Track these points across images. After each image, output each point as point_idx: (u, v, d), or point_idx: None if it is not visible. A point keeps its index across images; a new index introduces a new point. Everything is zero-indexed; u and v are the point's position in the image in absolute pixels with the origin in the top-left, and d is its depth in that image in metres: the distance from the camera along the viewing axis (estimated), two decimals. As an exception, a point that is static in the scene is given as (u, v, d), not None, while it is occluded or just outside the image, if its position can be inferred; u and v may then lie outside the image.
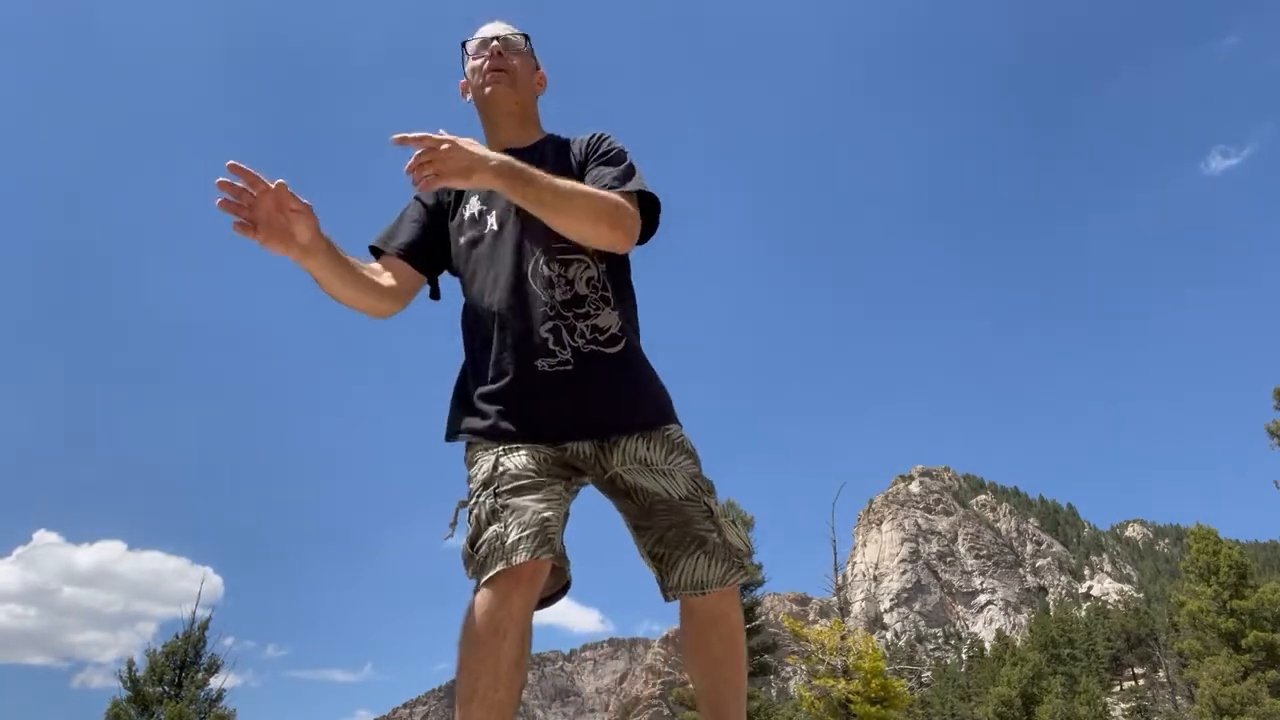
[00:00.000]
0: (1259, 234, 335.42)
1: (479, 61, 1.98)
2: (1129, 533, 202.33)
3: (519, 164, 1.63)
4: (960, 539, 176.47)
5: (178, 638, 12.01)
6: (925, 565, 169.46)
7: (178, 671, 11.74)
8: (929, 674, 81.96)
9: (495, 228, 1.87)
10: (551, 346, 1.75)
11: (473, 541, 1.60)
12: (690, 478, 1.78)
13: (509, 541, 1.55)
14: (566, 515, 1.73)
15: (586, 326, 1.79)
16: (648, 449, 1.78)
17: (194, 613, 12.25)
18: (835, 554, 19.94)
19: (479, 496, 1.64)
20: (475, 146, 1.58)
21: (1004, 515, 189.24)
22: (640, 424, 1.78)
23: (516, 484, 1.63)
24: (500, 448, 1.70)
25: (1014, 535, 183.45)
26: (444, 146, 1.53)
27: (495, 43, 1.98)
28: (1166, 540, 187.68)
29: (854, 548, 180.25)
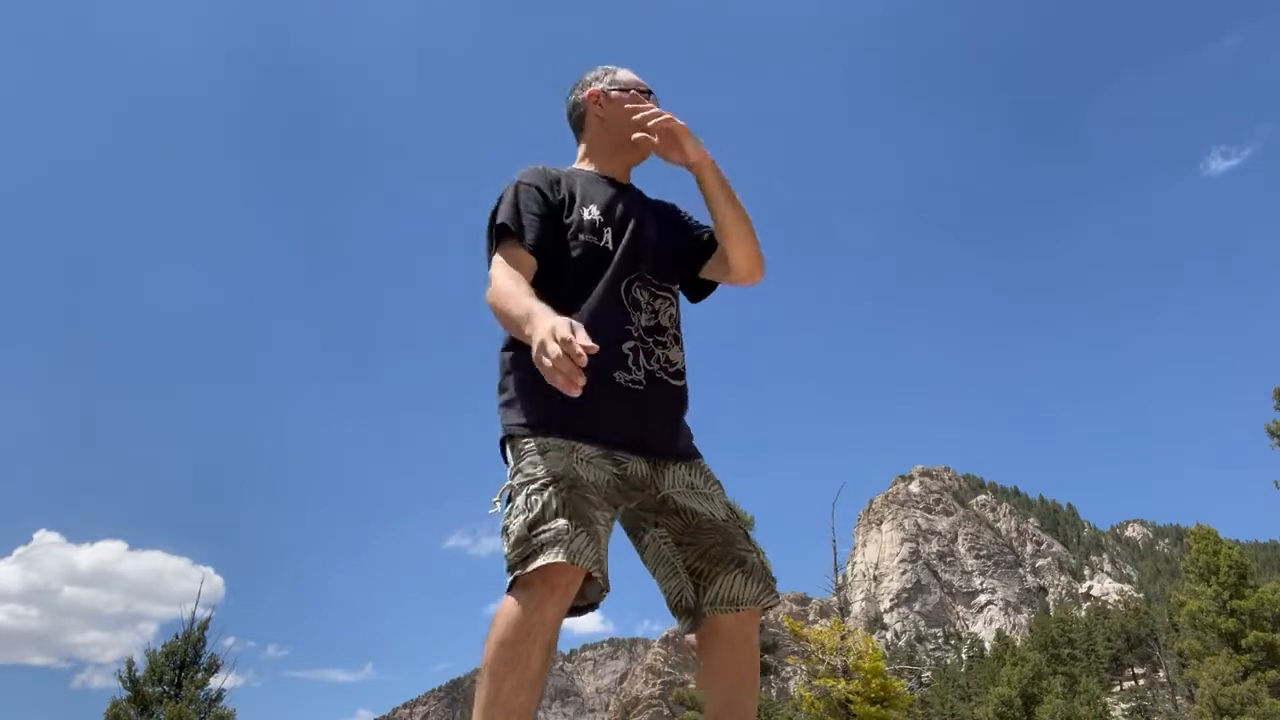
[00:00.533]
0: (1259, 234, 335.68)
1: (645, 105, 2.04)
2: (1129, 533, 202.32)
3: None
4: (960, 539, 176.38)
5: (177, 638, 11.99)
6: (925, 565, 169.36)
7: (177, 671, 11.72)
8: (929, 674, 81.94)
9: (609, 243, 1.97)
10: (629, 364, 1.86)
11: (532, 525, 1.62)
12: (726, 504, 1.92)
13: (574, 544, 1.59)
14: None
15: (661, 355, 1.91)
16: (689, 474, 1.91)
17: (194, 612, 12.23)
18: (835, 554, 19.93)
19: (551, 487, 1.66)
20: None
21: (1004, 515, 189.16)
22: (684, 454, 1.93)
23: (587, 495, 1.69)
24: (572, 449, 1.75)
25: (1014, 535, 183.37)
26: (669, 116, 1.87)
27: (654, 98, 2.15)
28: (1166, 540, 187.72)
29: (854, 548, 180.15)
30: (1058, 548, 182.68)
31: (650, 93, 2.13)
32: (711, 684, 1.87)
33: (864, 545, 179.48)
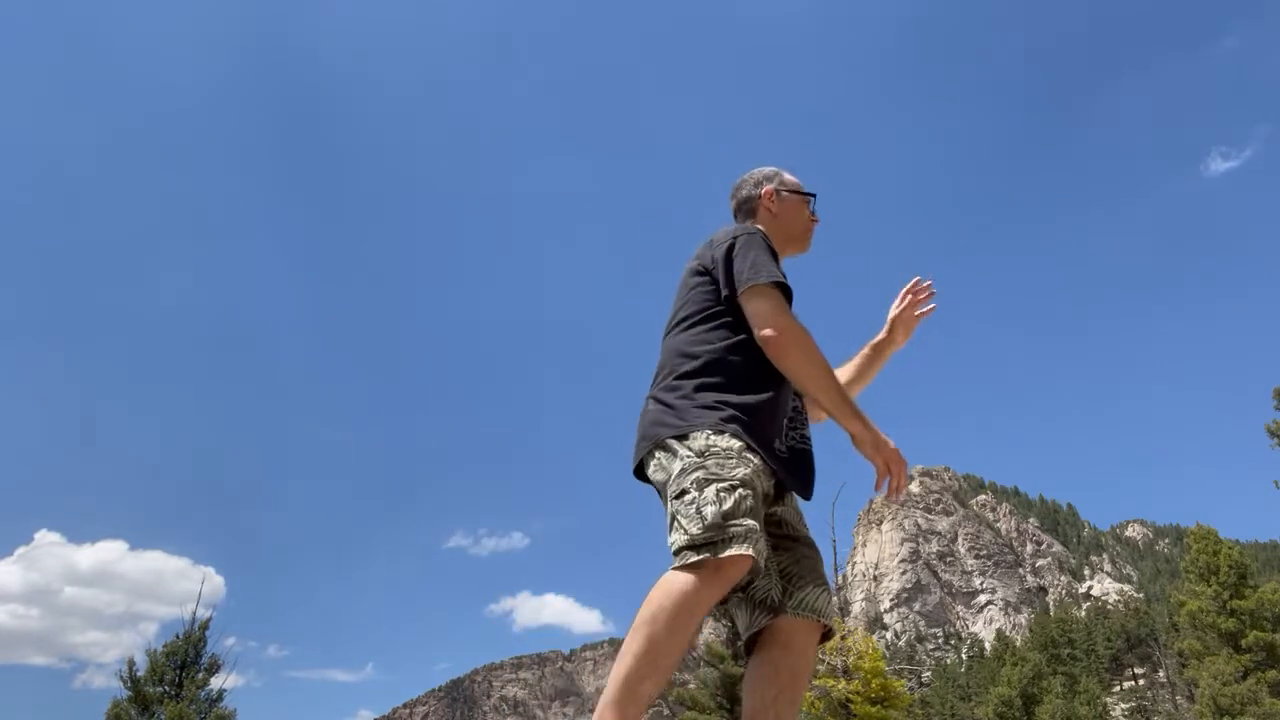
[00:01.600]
0: (1259, 235, 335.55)
1: (811, 212, 2.43)
2: (1129, 533, 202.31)
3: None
4: (960, 539, 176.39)
5: (178, 638, 11.99)
6: (925, 565, 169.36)
7: (178, 671, 11.72)
8: (929, 674, 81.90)
9: None
10: (784, 434, 2.07)
11: (726, 514, 1.79)
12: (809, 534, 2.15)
13: (759, 544, 1.79)
14: None
15: (796, 433, 2.12)
16: (796, 504, 2.17)
17: (194, 612, 12.24)
18: (835, 554, 19.93)
19: (741, 489, 1.85)
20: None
21: (1004, 515, 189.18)
22: (801, 493, 2.12)
23: (760, 504, 1.91)
24: (758, 470, 1.93)
25: (1014, 535, 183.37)
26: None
27: (814, 202, 2.45)
28: (1166, 540, 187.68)
29: (854, 548, 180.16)
30: (1058, 548, 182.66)
31: (814, 195, 2.43)
32: (762, 683, 1.97)
33: (864, 545, 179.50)
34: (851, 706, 17.62)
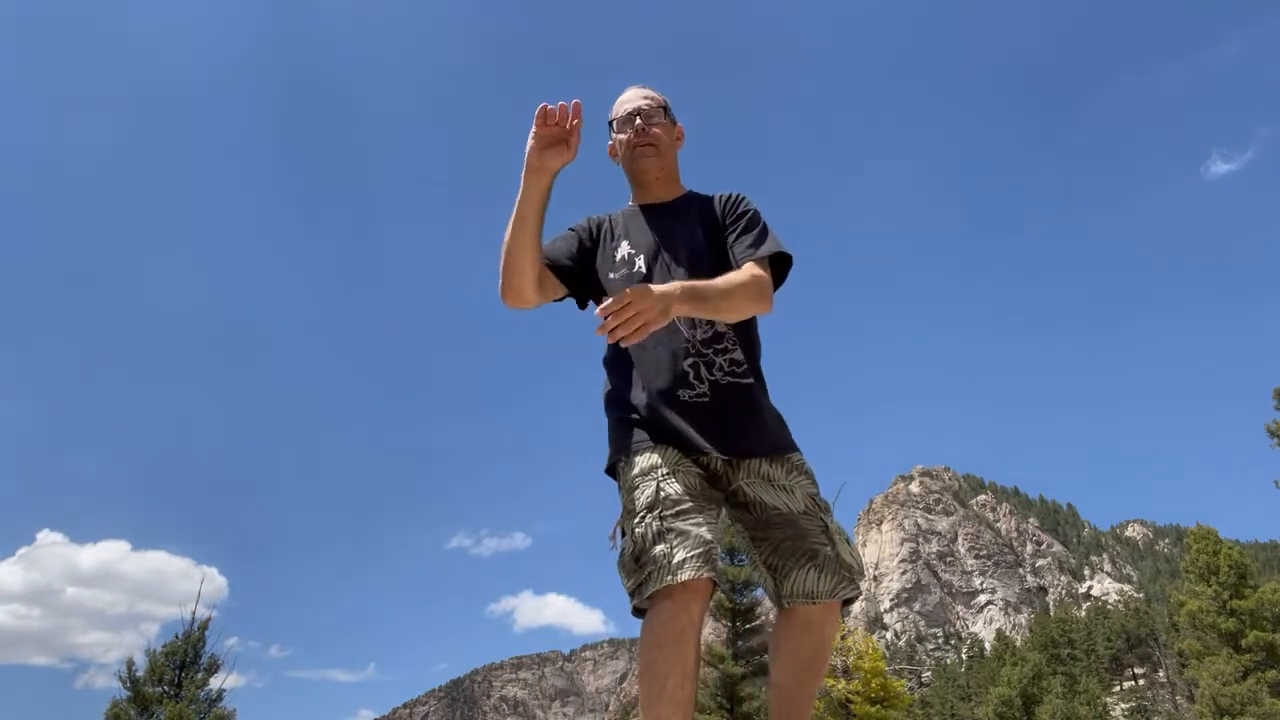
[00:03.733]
0: (1259, 236, 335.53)
1: (624, 135, 2.18)
2: (1129, 533, 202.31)
3: (692, 285, 1.84)
4: (960, 539, 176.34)
5: (177, 638, 11.97)
6: (925, 565, 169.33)
7: (177, 672, 11.70)
8: (929, 674, 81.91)
9: (643, 269, 2.07)
10: (691, 380, 1.97)
11: (637, 557, 1.78)
12: (808, 495, 1.97)
13: (674, 561, 1.72)
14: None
15: (725, 360, 2.00)
16: (770, 467, 1.98)
17: (194, 612, 12.23)
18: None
19: (644, 517, 1.80)
20: (654, 289, 1.76)
21: (1004, 515, 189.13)
22: (769, 449, 1.98)
23: (678, 509, 1.81)
24: (660, 473, 1.86)
25: (1014, 535, 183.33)
26: (632, 304, 1.70)
27: (638, 119, 2.17)
28: (1166, 540, 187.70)
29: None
30: (1058, 548, 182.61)
31: (635, 114, 2.17)
32: (781, 659, 1.99)
33: (864, 545, 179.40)
34: (851, 706, 17.60)
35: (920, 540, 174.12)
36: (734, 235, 2.09)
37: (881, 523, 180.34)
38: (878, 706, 17.70)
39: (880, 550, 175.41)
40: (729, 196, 2.17)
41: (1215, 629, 31.74)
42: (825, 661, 1.99)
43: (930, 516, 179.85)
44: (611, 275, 2.10)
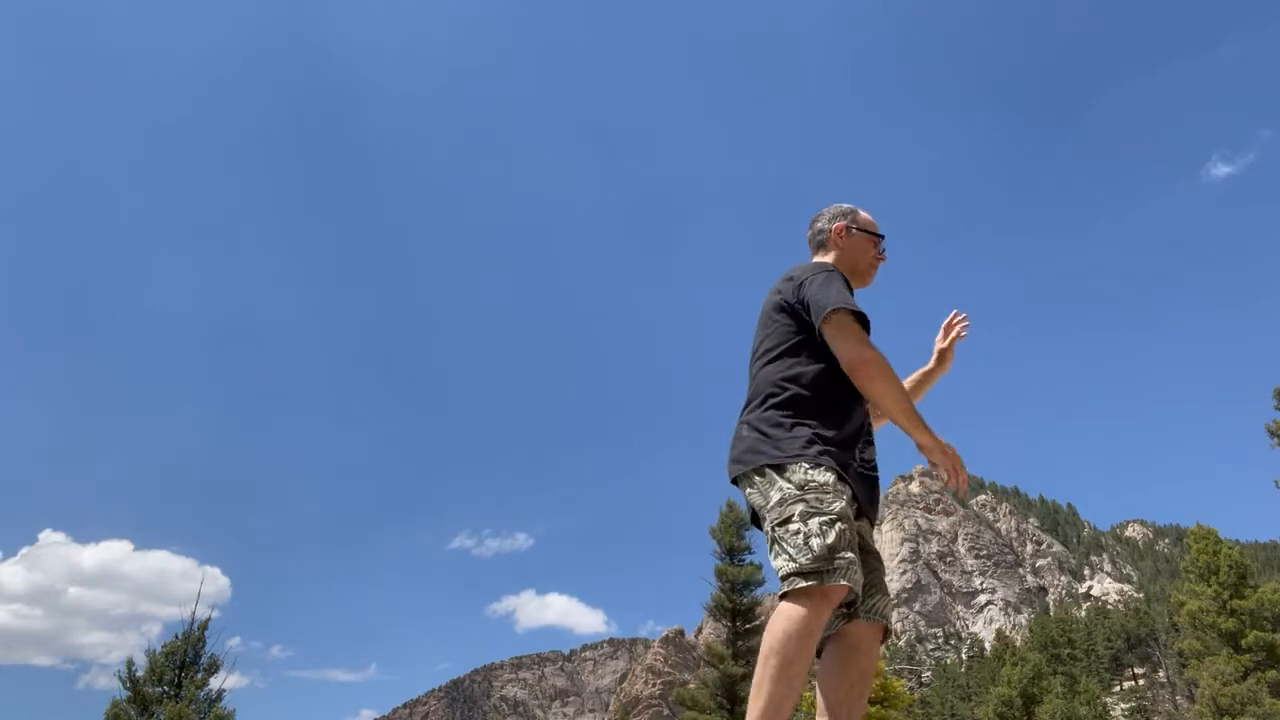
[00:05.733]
0: (1259, 238, 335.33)
1: (875, 252, 2.66)
2: (1129, 533, 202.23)
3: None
4: (960, 539, 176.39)
5: (177, 638, 11.97)
6: (925, 565, 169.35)
7: (177, 672, 11.70)
8: (929, 674, 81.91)
9: None
10: (859, 455, 2.33)
11: (833, 549, 2.04)
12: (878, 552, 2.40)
13: (858, 575, 2.07)
14: None
15: (872, 451, 2.40)
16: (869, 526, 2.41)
17: (194, 612, 12.22)
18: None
19: (840, 524, 2.09)
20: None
21: (1004, 515, 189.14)
22: (871, 516, 2.39)
23: (856, 534, 2.20)
24: (848, 498, 2.19)
25: (1014, 535, 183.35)
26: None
27: (883, 244, 2.69)
28: (1166, 540, 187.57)
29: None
30: (1058, 548, 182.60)
31: (883, 237, 2.67)
32: (837, 680, 2.26)
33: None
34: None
35: (920, 540, 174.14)
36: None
37: (881, 523, 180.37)
38: (878, 706, 17.71)
39: (880, 550, 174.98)
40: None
41: (1215, 629, 31.74)
42: (870, 683, 2.31)
43: (930, 516, 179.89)
44: None
